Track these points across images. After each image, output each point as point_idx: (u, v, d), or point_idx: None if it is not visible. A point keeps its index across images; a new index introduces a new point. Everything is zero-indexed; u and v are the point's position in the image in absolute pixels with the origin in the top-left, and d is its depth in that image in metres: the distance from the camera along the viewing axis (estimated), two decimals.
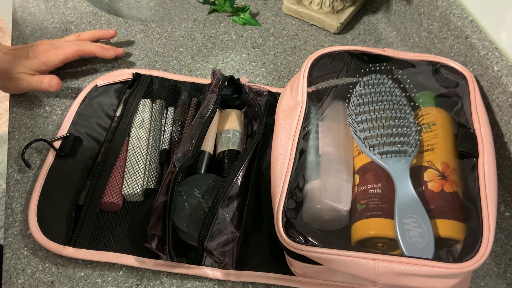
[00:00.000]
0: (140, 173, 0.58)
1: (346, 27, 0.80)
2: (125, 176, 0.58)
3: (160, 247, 0.50)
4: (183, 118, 0.63)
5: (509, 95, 0.55)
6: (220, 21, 0.81)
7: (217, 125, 0.62)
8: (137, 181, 0.57)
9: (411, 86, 0.57)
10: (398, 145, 0.50)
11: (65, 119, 0.64)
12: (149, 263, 0.53)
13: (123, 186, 0.57)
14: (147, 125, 0.62)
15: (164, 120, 0.64)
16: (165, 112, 0.65)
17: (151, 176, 0.58)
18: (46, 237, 0.54)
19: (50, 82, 0.65)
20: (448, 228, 0.48)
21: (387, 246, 0.48)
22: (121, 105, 0.65)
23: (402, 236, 0.46)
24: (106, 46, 0.71)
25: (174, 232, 0.52)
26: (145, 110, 0.64)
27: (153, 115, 0.64)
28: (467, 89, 0.56)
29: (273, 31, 0.79)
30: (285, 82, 0.72)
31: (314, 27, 0.80)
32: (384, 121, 0.52)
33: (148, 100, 0.65)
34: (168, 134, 0.62)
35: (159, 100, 0.66)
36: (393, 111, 0.52)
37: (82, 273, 0.53)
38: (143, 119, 0.63)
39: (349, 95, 0.56)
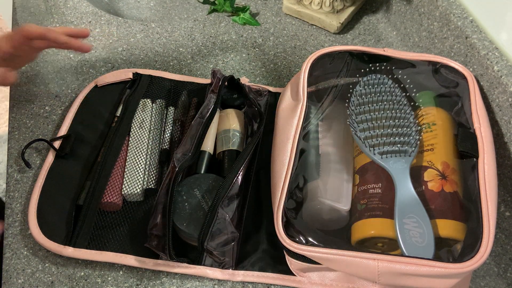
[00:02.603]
0: (140, 173, 0.58)
1: (346, 27, 0.80)
2: (125, 176, 0.57)
3: (160, 247, 0.50)
4: (183, 118, 0.63)
5: (509, 95, 0.55)
6: (220, 21, 0.81)
7: (217, 125, 0.62)
8: (137, 181, 0.57)
9: (411, 86, 0.57)
10: (398, 145, 0.50)
11: (65, 119, 0.64)
12: (149, 263, 0.53)
13: (123, 186, 0.57)
14: (147, 125, 0.62)
15: (164, 120, 0.64)
16: (165, 112, 0.65)
17: (151, 176, 0.58)
18: (46, 237, 0.54)
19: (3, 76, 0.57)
20: (448, 228, 0.47)
21: (387, 246, 0.48)
22: (121, 105, 0.65)
23: (402, 236, 0.46)
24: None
25: (174, 232, 0.52)
26: (145, 110, 0.64)
27: (153, 115, 0.64)
28: (467, 89, 0.56)
29: (273, 31, 0.79)
30: (285, 82, 0.72)
31: (314, 27, 0.80)
32: (384, 121, 0.52)
33: (148, 100, 0.65)
34: (168, 134, 0.62)
35: (159, 100, 0.66)
36: (393, 111, 0.52)
37: (82, 273, 0.53)
38: (143, 119, 0.63)
39: (349, 95, 0.56)
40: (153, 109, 0.64)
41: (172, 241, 0.50)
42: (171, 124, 0.63)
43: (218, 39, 0.78)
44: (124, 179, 0.57)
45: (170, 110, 0.65)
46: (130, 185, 0.56)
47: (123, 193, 0.56)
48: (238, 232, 0.54)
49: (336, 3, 0.77)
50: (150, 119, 0.63)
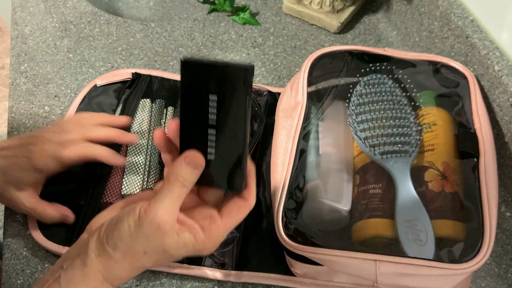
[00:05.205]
0: (140, 173, 0.57)
1: (346, 27, 0.80)
2: (125, 176, 0.57)
3: None
4: None
5: (510, 95, 0.55)
6: (220, 20, 0.81)
7: None
8: (137, 181, 0.57)
9: (412, 86, 0.57)
10: (399, 145, 0.50)
11: (64, 119, 0.64)
12: None
13: (123, 186, 0.56)
14: (147, 125, 0.62)
15: (164, 120, 0.64)
16: (164, 112, 0.65)
17: (151, 176, 0.58)
18: (46, 238, 0.53)
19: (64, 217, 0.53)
20: (449, 228, 0.47)
21: (387, 246, 0.48)
22: (121, 105, 0.65)
23: (402, 237, 0.46)
24: (115, 153, 0.55)
25: None
26: (144, 110, 0.64)
27: (152, 115, 0.64)
28: (468, 89, 0.56)
29: (273, 31, 0.79)
30: (285, 82, 0.71)
31: (314, 26, 0.80)
32: (384, 121, 0.51)
33: (148, 100, 0.65)
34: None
35: (158, 100, 0.65)
36: (393, 111, 0.52)
37: None
38: (142, 119, 0.63)
39: (349, 95, 0.56)
40: (153, 109, 0.64)
41: None
42: None
43: (218, 39, 0.77)
44: (124, 179, 0.57)
45: (169, 110, 0.64)
46: (129, 185, 0.56)
47: (122, 193, 0.56)
48: (238, 233, 0.53)
49: (336, 2, 0.77)
50: (149, 119, 0.63)
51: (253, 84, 0.67)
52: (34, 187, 0.52)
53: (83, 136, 0.53)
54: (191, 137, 0.36)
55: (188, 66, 0.34)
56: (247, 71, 0.33)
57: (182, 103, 0.35)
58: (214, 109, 0.34)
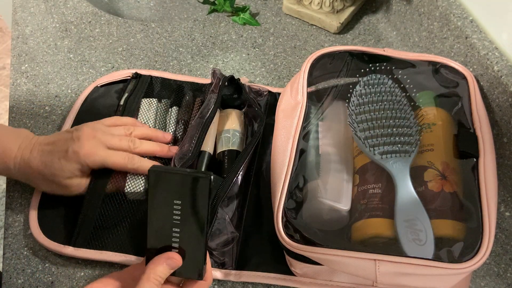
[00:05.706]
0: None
1: (346, 27, 0.80)
2: (128, 174, 0.57)
3: None
4: (187, 118, 0.63)
5: (509, 95, 0.55)
6: (220, 21, 0.81)
7: (217, 125, 0.62)
8: (140, 180, 0.57)
9: (411, 86, 0.57)
10: (398, 145, 0.50)
11: (66, 120, 0.64)
12: None
13: (126, 184, 0.56)
14: (152, 124, 0.62)
15: (169, 120, 0.64)
16: (169, 111, 0.65)
17: None
18: (46, 237, 0.54)
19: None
20: (448, 228, 0.48)
21: (387, 246, 0.48)
22: (122, 105, 0.65)
23: (402, 236, 0.46)
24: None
25: None
26: (150, 110, 0.64)
27: (157, 114, 0.64)
28: (467, 89, 0.57)
29: (273, 31, 0.79)
30: (285, 82, 0.72)
31: (314, 27, 0.80)
32: (384, 121, 0.52)
33: (155, 99, 0.65)
34: (172, 134, 0.62)
35: (164, 100, 0.66)
36: (393, 111, 0.52)
37: (82, 273, 0.53)
38: (148, 118, 0.63)
39: (349, 95, 0.56)
40: (158, 109, 0.64)
41: None
42: (175, 124, 0.63)
43: (218, 39, 0.78)
44: (127, 178, 0.57)
45: (173, 109, 0.65)
46: (133, 184, 0.56)
47: (126, 191, 0.56)
48: (238, 232, 0.54)
49: (336, 3, 0.77)
50: (155, 118, 0.63)
51: (253, 84, 0.67)
52: (82, 174, 0.54)
53: (129, 147, 0.56)
54: (157, 234, 0.41)
55: (154, 174, 0.38)
56: (206, 180, 0.37)
57: (149, 205, 0.40)
58: (178, 211, 0.39)
